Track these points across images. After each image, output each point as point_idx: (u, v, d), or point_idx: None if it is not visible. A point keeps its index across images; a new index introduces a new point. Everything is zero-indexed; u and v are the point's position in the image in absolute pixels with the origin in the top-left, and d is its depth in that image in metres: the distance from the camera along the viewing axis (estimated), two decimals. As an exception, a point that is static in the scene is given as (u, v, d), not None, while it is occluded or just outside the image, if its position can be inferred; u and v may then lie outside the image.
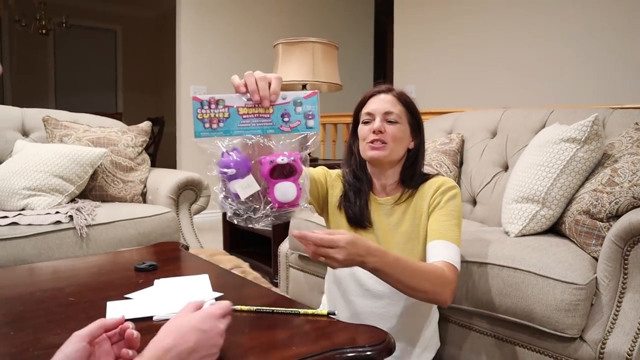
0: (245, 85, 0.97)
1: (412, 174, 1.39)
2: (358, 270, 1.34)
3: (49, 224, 2.03)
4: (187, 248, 1.66)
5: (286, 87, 3.20)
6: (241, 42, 5.09)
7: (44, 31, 6.74)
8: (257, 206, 0.98)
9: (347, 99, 5.05)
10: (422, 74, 4.50)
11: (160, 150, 6.22)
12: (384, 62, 6.79)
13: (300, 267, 2.26)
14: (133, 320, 1.00)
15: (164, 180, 2.56)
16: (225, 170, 0.94)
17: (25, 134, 2.69)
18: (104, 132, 2.64)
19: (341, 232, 1.03)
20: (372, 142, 1.33)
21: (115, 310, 1.03)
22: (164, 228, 2.31)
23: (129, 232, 2.20)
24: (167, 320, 0.99)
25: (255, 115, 0.97)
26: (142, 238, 2.21)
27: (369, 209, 1.38)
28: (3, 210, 2.18)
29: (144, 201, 2.60)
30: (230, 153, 0.96)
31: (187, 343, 0.71)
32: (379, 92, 1.39)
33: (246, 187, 0.95)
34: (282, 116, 0.97)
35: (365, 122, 1.37)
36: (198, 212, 2.62)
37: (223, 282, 1.23)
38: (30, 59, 7.31)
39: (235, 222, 1.00)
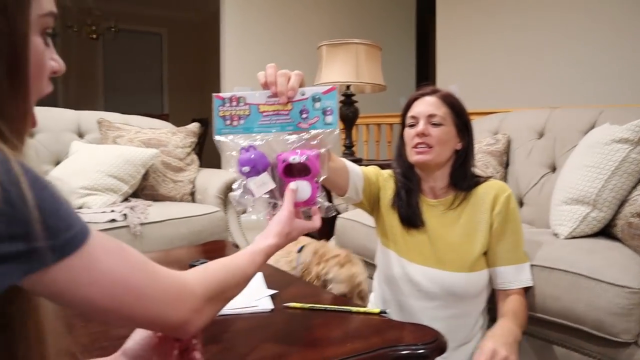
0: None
1: (463, 176, 1.39)
2: (412, 270, 1.36)
3: (105, 222, 2.12)
4: (236, 246, 1.70)
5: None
6: (285, 43, 5.15)
7: (94, 36, 6.97)
8: (277, 203, 0.96)
9: (391, 99, 5.06)
10: (466, 73, 4.45)
11: (205, 150, 6.35)
12: (426, 60, 6.74)
13: (345, 266, 2.28)
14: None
15: (212, 181, 2.63)
16: (242, 167, 0.93)
17: (80, 135, 2.81)
18: (154, 134, 2.73)
19: (482, 346, 1.15)
20: (416, 146, 1.35)
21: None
22: (213, 227, 2.38)
23: (180, 231, 2.27)
24: (227, 315, 1.04)
25: (274, 112, 0.95)
26: (192, 237, 2.28)
27: (420, 208, 1.40)
28: (62, 209, 2.29)
29: (193, 200, 2.68)
30: (248, 150, 0.94)
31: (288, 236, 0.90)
32: (424, 95, 1.40)
33: (261, 184, 0.94)
34: (301, 112, 0.94)
35: (410, 126, 1.39)
36: (244, 211, 2.67)
37: (275, 280, 1.27)
38: (81, 63, 7.57)
39: (254, 218, 0.98)
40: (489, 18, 4.26)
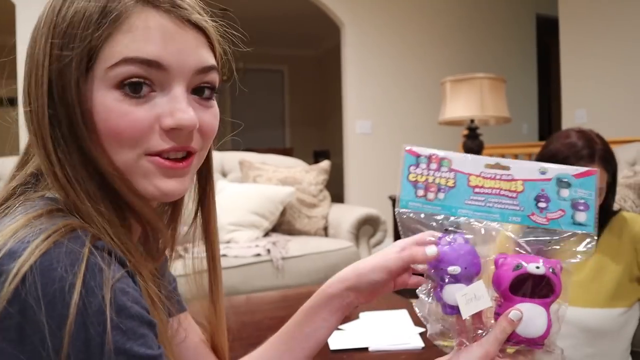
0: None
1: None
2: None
3: (251, 256, 2.34)
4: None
5: (453, 122, 3.30)
6: (406, 77, 5.25)
7: (225, 78, 7.56)
8: (480, 331, 0.62)
9: (513, 127, 4.97)
10: (594, 97, 4.24)
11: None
12: (548, 86, 6.54)
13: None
14: (350, 350, 1.16)
15: (344, 217, 2.78)
16: (444, 264, 0.62)
17: (224, 174, 3.11)
18: (290, 172, 2.96)
19: None
20: None
21: (333, 339, 1.20)
22: (347, 261, 2.50)
23: (317, 265, 2.44)
24: (381, 351, 1.15)
25: (494, 191, 0.66)
26: (328, 270, 2.43)
27: None
28: (212, 243, 2.55)
29: (326, 234, 2.85)
30: (454, 241, 0.64)
31: None
32: (581, 158, 1.31)
33: (472, 299, 0.60)
34: (537, 199, 0.65)
35: None
36: (375, 245, 2.80)
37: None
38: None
39: (438, 345, 0.68)
40: (617, 41, 4.06)
